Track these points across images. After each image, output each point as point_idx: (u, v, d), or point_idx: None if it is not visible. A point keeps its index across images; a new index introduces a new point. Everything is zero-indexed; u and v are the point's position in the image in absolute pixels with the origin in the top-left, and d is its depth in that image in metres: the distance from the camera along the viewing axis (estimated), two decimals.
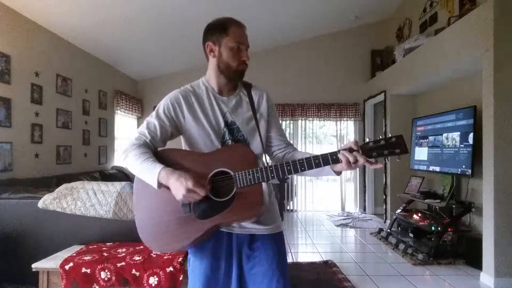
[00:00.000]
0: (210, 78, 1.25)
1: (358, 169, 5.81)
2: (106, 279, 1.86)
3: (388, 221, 4.77)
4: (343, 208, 6.09)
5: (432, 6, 4.29)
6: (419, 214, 3.91)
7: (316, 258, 3.42)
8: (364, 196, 5.95)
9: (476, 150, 3.18)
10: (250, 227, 1.19)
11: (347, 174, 6.38)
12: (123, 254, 2.00)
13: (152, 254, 2.01)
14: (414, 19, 4.78)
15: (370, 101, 5.74)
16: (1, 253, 2.32)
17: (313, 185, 6.31)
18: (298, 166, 1.06)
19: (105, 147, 5.12)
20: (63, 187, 2.41)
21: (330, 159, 1.04)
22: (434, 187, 4.12)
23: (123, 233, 2.32)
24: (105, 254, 2.01)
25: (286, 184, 5.88)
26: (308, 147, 6.17)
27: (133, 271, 1.86)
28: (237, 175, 1.08)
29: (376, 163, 1.03)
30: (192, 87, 1.25)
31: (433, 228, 3.48)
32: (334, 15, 5.35)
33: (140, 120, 6.25)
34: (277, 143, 1.31)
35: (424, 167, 4.08)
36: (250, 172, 1.08)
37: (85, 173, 4.13)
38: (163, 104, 1.20)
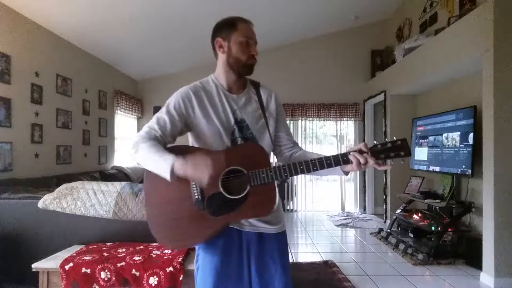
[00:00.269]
0: (219, 75, 1.25)
1: None
2: (106, 279, 1.86)
3: (388, 221, 4.77)
4: (343, 208, 6.10)
5: (432, 6, 4.29)
6: (419, 214, 3.91)
7: (316, 258, 3.42)
8: (364, 196, 5.95)
9: (476, 150, 3.18)
10: (259, 225, 1.21)
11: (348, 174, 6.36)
12: (123, 254, 2.00)
13: (152, 254, 2.01)
14: (414, 19, 4.78)
15: (370, 101, 5.74)
16: (1, 253, 2.32)
17: (313, 185, 6.31)
18: (311, 166, 1.09)
19: (105, 147, 5.12)
20: (63, 187, 2.41)
21: (341, 160, 1.09)
22: (434, 187, 4.12)
23: (123, 233, 2.32)
24: (105, 254, 2.01)
25: (286, 184, 5.88)
26: (308, 147, 6.16)
27: (133, 271, 1.86)
28: (251, 173, 1.10)
29: (383, 164, 1.08)
30: (202, 84, 1.25)
31: (433, 228, 3.48)
32: (334, 15, 5.35)
33: (140, 120, 6.25)
34: (285, 143, 1.33)
35: (424, 167, 4.08)
36: (264, 171, 1.10)
37: (85, 173, 4.13)
38: (173, 100, 1.20)
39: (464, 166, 3.35)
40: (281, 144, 1.33)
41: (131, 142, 1.15)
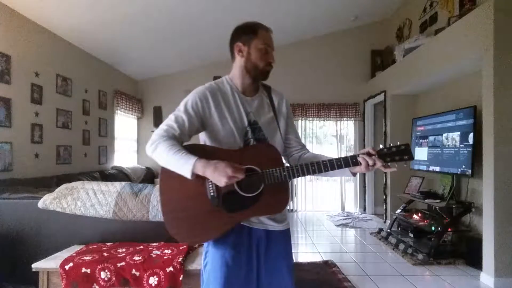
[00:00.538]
0: (235, 77, 1.30)
1: None
2: (106, 279, 1.86)
3: (388, 221, 4.77)
4: (343, 208, 6.10)
5: (432, 6, 4.29)
6: (419, 214, 3.91)
7: (316, 258, 3.42)
8: (364, 196, 5.95)
9: (476, 150, 3.18)
10: (267, 223, 1.26)
11: None
12: (123, 254, 2.00)
13: (152, 254, 2.01)
14: (414, 19, 4.78)
15: (370, 101, 5.74)
16: (1, 253, 2.32)
17: (313, 185, 6.31)
18: (322, 167, 1.17)
19: (105, 147, 5.12)
20: (63, 187, 2.41)
21: (350, 162, 1.16)
22: (434, 187, 4.12)
23: (123, 233, 2.32)
24: (105, 254, 2.01)
25: None
26: (308, 147, 6.10)
27: (133, 271, 1.86)
28: (265, 172, 1.16)
29: (388, 166, 1.17)
30: (217, 85, 1.29)
31: (433, 228, 3.48)
32: (334, 15, 5.35)
33: (140, 120, 6.25)
34: (294, 145, 1.41)
35: (424, 167, 4.08)
36: (278, 170, 1.16)
37: (85, 173, 4.13)
38: (191, 99, 1.23)
39: (464, 166, 3.35)
40: (291, 146, 1.40)
41: (150, 139, 1.19)
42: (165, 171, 1.17)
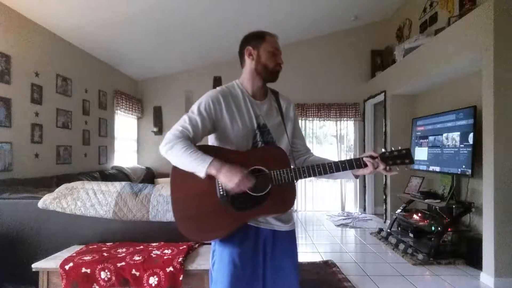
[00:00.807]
0: (245, 81, 1.35)
1: None
2: (106, 279, 1.86)
3: (388, 221, 4.77)
4: (343, 208, 6.10)
5: (432, 6, 4.29)
6: (419, 214, 3.91)
7: (316, 258, 3.42)
8: (364, 196, 5.95)
9: (476, 150, 3.18)
10: (274, 223, 1.30)
11: None
12: (123, 254, 2.00)
13: (152, 254, 2.01)
14: (414, 19, 4.78)
15: (370, 101, 5.74)
16: (1, 253, 2.32)
17: (313, 185, 6.30)
18: (327, 168, 1.23)
19: (105, 147, 5.12)
20: (63, 187, 2.41)
21: (354, 164, 1.23)
22: (434, 187, 4.12)
23: (123, 233, 2.32)
24: (105, 254, 2.01)
25: None
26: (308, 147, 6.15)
27: (133, 271, 1.86)
28: (273, 173, 1.21)
29: (390, 170, 1.23)
30: (228, 88, 1.34)
31: (433, 228, 3.48)
32: (334, 15, 5.35)
33: (140, 120, 6.24)
34: (300, 148, 1.48)
35: (424, 167, 4.08)
36: (285, 171, 1.21)
37: (85, 173, 4.12)
38: (204, 102, 1.28)
39: (464, 166, 3.35)
40: (297, 150, 1.46)
41: (164, 139, 1.23)
42: (176, 171, 1.22)
